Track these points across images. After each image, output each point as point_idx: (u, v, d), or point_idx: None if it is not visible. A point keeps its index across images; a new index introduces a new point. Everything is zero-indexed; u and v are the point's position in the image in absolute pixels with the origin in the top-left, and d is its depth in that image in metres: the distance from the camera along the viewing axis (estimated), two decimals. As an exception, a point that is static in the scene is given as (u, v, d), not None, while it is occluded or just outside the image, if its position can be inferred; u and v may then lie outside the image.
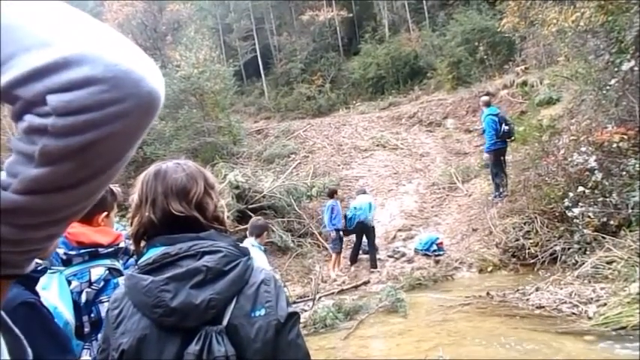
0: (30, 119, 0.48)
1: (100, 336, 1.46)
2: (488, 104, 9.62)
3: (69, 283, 1.84)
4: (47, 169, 0.49)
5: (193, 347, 1.10)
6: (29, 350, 0.68)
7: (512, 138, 9.26)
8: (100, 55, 0.48)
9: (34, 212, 0.51)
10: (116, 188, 2.09)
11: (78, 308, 1.84)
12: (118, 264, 1.98)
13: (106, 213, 2.01)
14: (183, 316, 1.13)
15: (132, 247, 1.59)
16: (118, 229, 2.34)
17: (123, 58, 0.49)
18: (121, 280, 1.84)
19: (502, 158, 9.24)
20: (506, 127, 9.02)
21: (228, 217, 9.16)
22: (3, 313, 0.64)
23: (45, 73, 0.47)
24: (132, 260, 2.10)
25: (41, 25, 0.49)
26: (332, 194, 9.51)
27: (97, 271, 1.89)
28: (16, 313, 1.16)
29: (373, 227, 9.09)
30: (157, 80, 0.52)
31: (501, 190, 9.07)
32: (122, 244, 1.99)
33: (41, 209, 0.51)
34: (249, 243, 4.86)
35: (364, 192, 9.64)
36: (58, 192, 0.51)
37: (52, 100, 0.47)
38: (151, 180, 1.28)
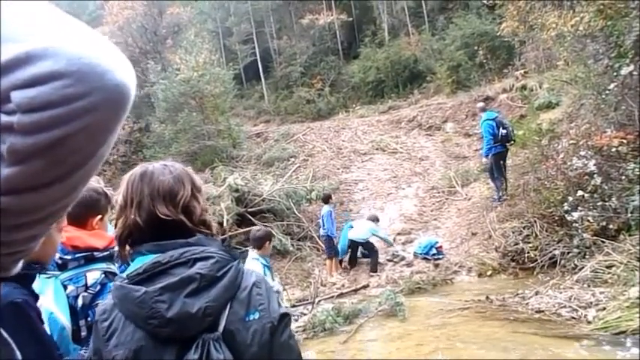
0: None
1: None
2: (484, 109, 9.78)
3: (65, 287, 1.83)
4: (17, 168, 0.48)
5: (192, 356, 1.09)
6: (17, 352, 0.66)
7: (512, 141, 9.23)
8: (63, 49, 0.47)
9: (12, 213, 0.50)
10: (110, 191, 2.07)
11: (74, 312, 1.83)
12: (114, 267, 1.97)
13: (100, 216, 2.00)
14: (179, 326, 1.11)
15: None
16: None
17: (87, 51, 0.48)
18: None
19: (502, 162, 9.24)
20: (504, 131, 9.02)
21: (227, 220, 9.15)
22: None
23: (8, 69, 0.46)
24: (128, 264, 2.09)
25: (4, 20, 0.47)
26: (327, 199, 9.54)
27: (93, 275, 1.88)
28: (2, 313, 1.15)
29: (369, 242, 9.03)
30: (126, 73, 0.50)
31: (501, 194, 9.07)
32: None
33: (18, 209, 0.50)
34: (251, 257, 4.83)
35: (375, 219, 9.34)
36: (31, 191, 0.49)
37: (16, 96, 0.46)
38: (137, 181, 1.25)
